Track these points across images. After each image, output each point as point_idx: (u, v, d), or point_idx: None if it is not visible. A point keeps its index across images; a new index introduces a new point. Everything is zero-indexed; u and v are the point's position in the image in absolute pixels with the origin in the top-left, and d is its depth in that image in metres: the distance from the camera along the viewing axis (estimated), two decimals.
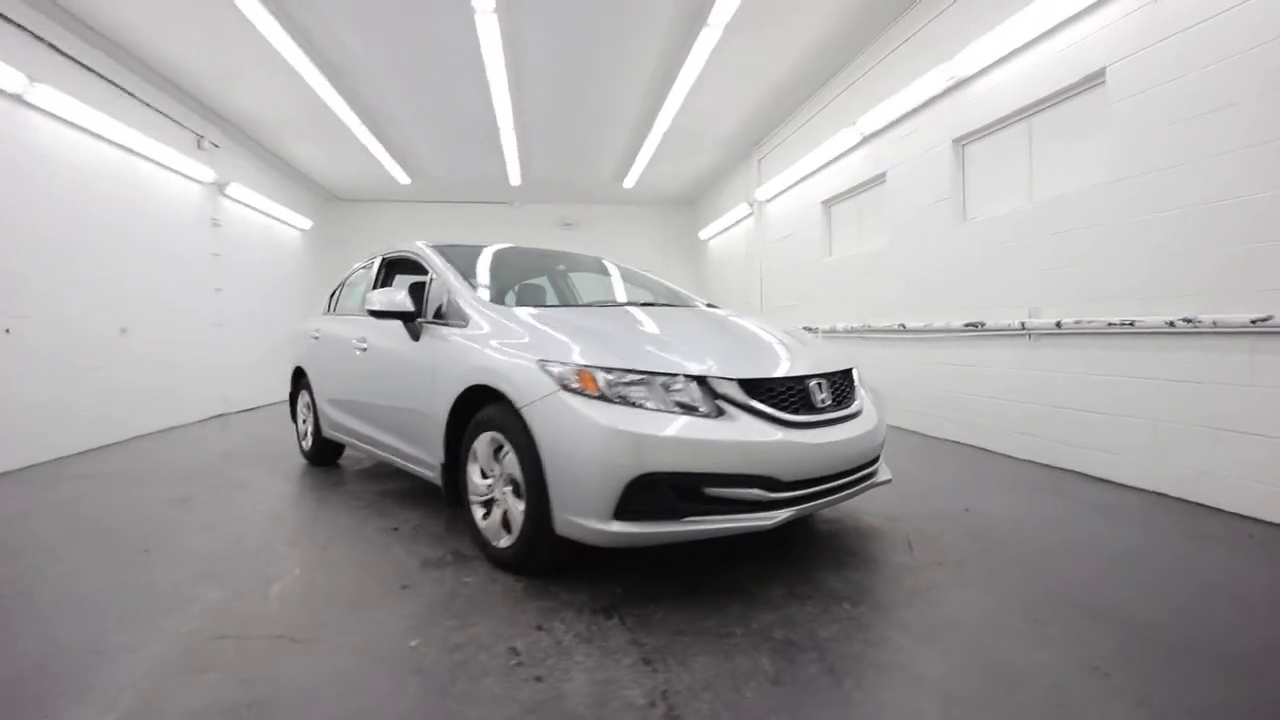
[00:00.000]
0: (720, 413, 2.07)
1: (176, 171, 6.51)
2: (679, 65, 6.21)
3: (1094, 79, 3.62)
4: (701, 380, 2.12)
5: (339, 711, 1.50)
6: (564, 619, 1.98)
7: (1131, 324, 3.34)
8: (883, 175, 5.76)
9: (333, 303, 4.50)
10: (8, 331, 4.37)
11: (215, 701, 1.55)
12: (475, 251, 3.41)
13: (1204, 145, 3.02)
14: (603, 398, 2.05)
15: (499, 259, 3.44)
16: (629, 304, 3.17)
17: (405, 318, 2.97)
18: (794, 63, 6.22)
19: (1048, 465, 3.96)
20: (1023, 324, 4.07)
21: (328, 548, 2.71)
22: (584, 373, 2.10)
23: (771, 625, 1.92)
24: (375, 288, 3.73)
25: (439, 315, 2.91)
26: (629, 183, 10.55)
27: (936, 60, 4.72)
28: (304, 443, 4.55)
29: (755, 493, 2.04)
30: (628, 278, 3.91)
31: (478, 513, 2.52)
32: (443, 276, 3.02)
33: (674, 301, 3.47)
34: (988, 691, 1.57)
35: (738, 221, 9.84)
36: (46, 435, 4.66)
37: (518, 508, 2.27)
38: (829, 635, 1.86)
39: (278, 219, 9.20)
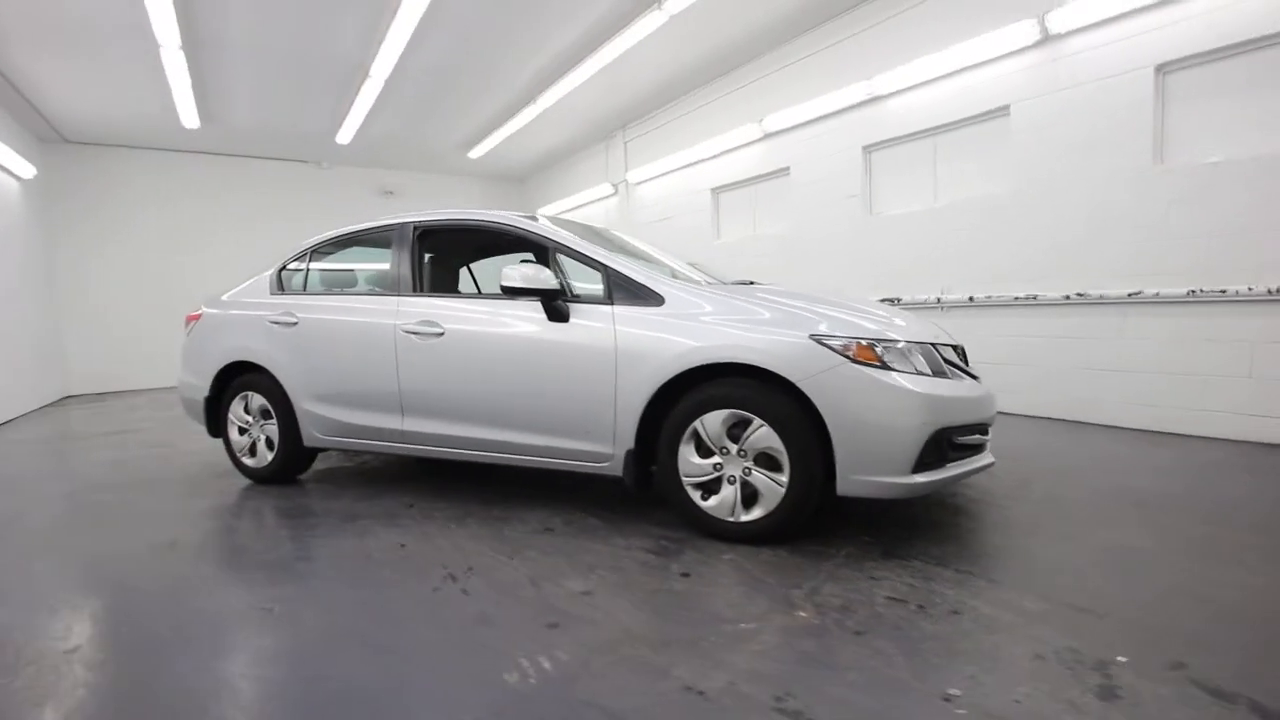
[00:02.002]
0: (946, 372, 2.45)
1: None
2: (590, 49, 6.18)
3: (999, 112, 4.78)
4: (935, 345, 2.46)
5: None
6: (869, 568, 2.18)
7: (1035, 298, 4.59)
8: (786, 169, 6.57)
9: (299, 279, 3.60)
10: None
11: None
12: (573, 226, 3.16)
13: (1088, 169, 4.29)
14: (884, 366, 2.26)
15: (593, 235, 3.22)
16: (752, 282, 3.24)
17: (549, 297, 2.68)
18: (688, 55, 6.63)
19: None
20: (938, 298, 5.19)
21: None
22: (860, 345, 2.28)
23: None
24: (415, 262, 3.18)
25: (582, 296, 2.71)
26: (477, 153, 9.89)
27: (855, 77, 5.58)
28: (248, 459, 3.59)
29: (977, 437, 2.48)
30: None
31: (694, 494, 2.49)
32: (589, 251, 2.79)
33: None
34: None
35: (595, 201, 9.99)
36: None
37: (772, 480, 2.34)
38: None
39: None
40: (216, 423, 3.72)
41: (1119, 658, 1.62)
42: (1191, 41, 3.76)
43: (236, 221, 9.84)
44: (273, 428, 3.47)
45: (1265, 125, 3.60)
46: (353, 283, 3.61)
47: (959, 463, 2.37)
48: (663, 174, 8.38)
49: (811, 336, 2.30)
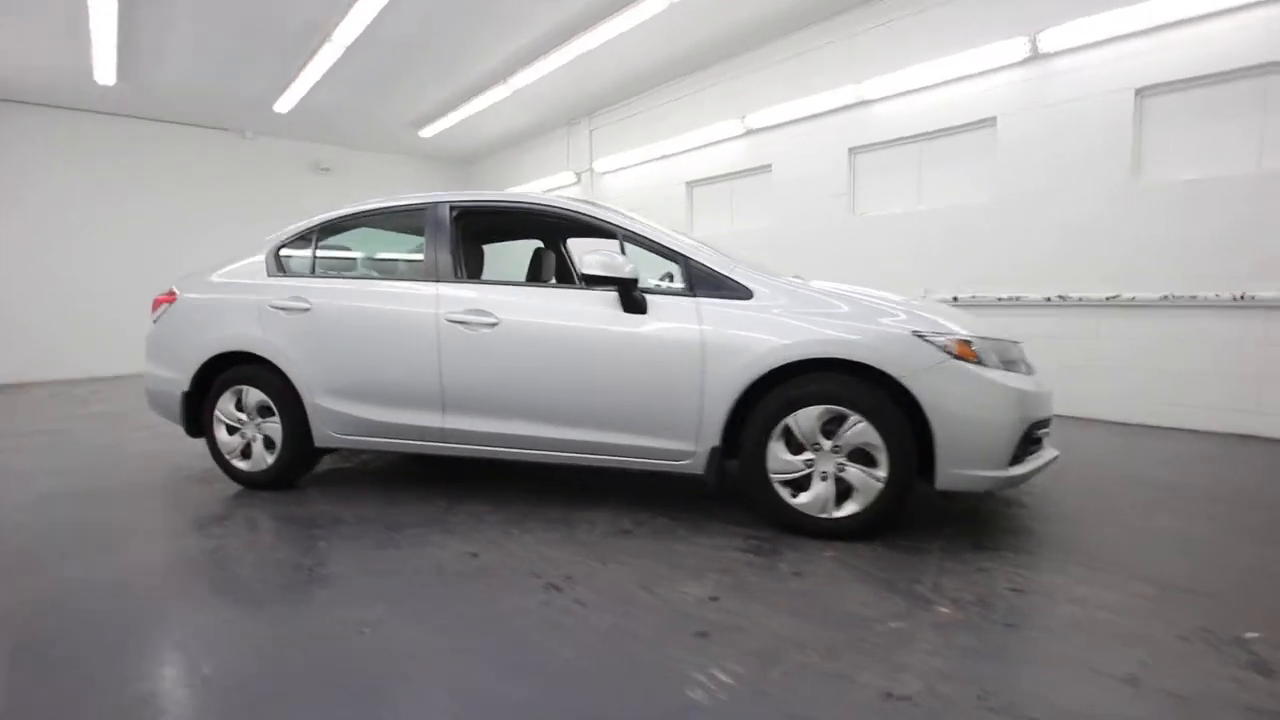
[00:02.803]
0: (1022, 368, 2.54)
1: None
2: (577, 31, 5.98)
3: (986, 122, 5.04)
4: (1012, 342, 2.54)
5: None
6: (957, 570, 2.22)
7: (1017, 299, 4.88)
8: (768, 166, 6.64)
9: (304, 261, 3.22)
10: None
11: None
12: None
13: (1071, 182, 4.61)
14: (980, 362, 2.31)
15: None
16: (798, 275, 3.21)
17: (626, 286, 2.54)
18: (672, 45, 6.55)
19: None
20: (923, 296, 5.43)
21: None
22: (959, 341, 2.31)
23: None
24: (455, 246, 2.93)
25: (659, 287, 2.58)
26: (429, 132, 9.34)
27: (845, 80, 5.71)
28: (240, 462, 3.19)
29: (1045, 430, 2.59)
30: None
31: (783, 491, 2.44)
32: (667, 240, 2.67)
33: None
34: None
35: (556, 189, 9.70)
36: None
37: (869, 475, 2.34)
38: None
39: None
40: (197, 421, 3.27)
41: (1249, 634, 1.73)
42: (1170, 68, 4.12)
43: (142, 192, 8.77)
44: (274, 426, 3.10)
45: (1233, 149, 4.00)
46: (375, 265, 3.28)
47: (1035, 456, 2.46)
48: (633, 165, 8.26)
49: (914, 333, 2.31)
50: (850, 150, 5.91)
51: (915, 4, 5.24)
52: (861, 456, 2.36)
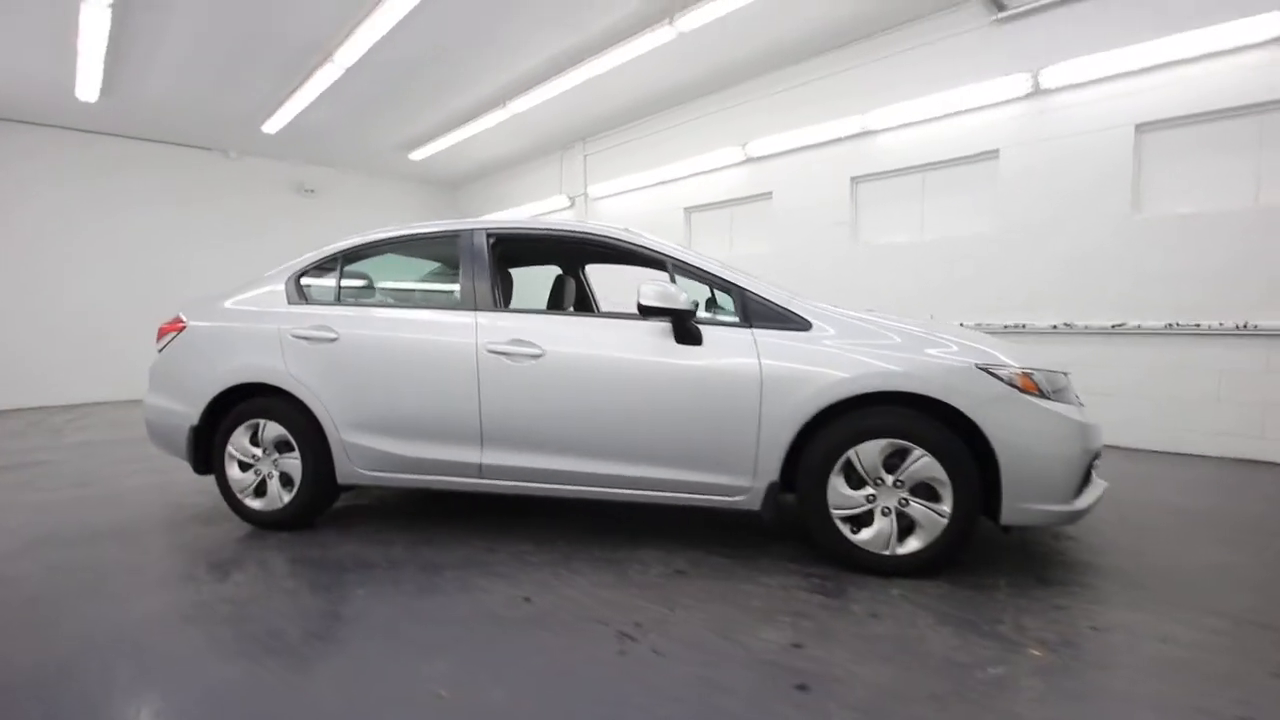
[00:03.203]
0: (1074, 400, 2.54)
1: None
2: (582, 57, 6.02)
3: (989, 155, 5.17)
4: (1065, 374, 2.55)
5: None
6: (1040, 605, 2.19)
7: (1023, 326, 4.97)
8: (769, 193, 6.71)
9: (328, 288, 3.08)
10: None
11: None
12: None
13: (1073, 213, 4.75)
14: (1042, 394, 2.30)
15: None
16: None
17: (680, 317, 2.48)
18: (675, 74, 6.63)
19: None
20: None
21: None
22: (1022, 374, 2.30)
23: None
24: (493, 274, 2.84)
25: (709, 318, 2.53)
26: (419, 155, 9.23)
27: (848, 111, 5.82)
28: (253, 500, 3.00)
29: (1097, 462, 2.58)
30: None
31: (844, 527, 2.39)
32: (720, 271, 2.63)
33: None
34: None
35: (548, 213, 9.66)
36: None
37: (933, 511, 2.30)
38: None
39: None
40: (206, 457, 3.08)
41: None
42: (1168, 106, 4.30)
43: (118, 212, 8.44)
44: (293, 462, 2.92)
45: (1229, 184, 4.17)
46: (402, 294, 3.16)
47: (1092, 488, 2.46)
48: (630, 190, 8.27)
49: (978, 366, 2.29)
50: (853, 179, 6.01)
51: (919, 39, 5.39)
52: (924, 491, 2.33)
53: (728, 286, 2.59)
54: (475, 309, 2.80)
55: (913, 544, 2.34)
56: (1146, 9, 4.29)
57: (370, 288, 3.23)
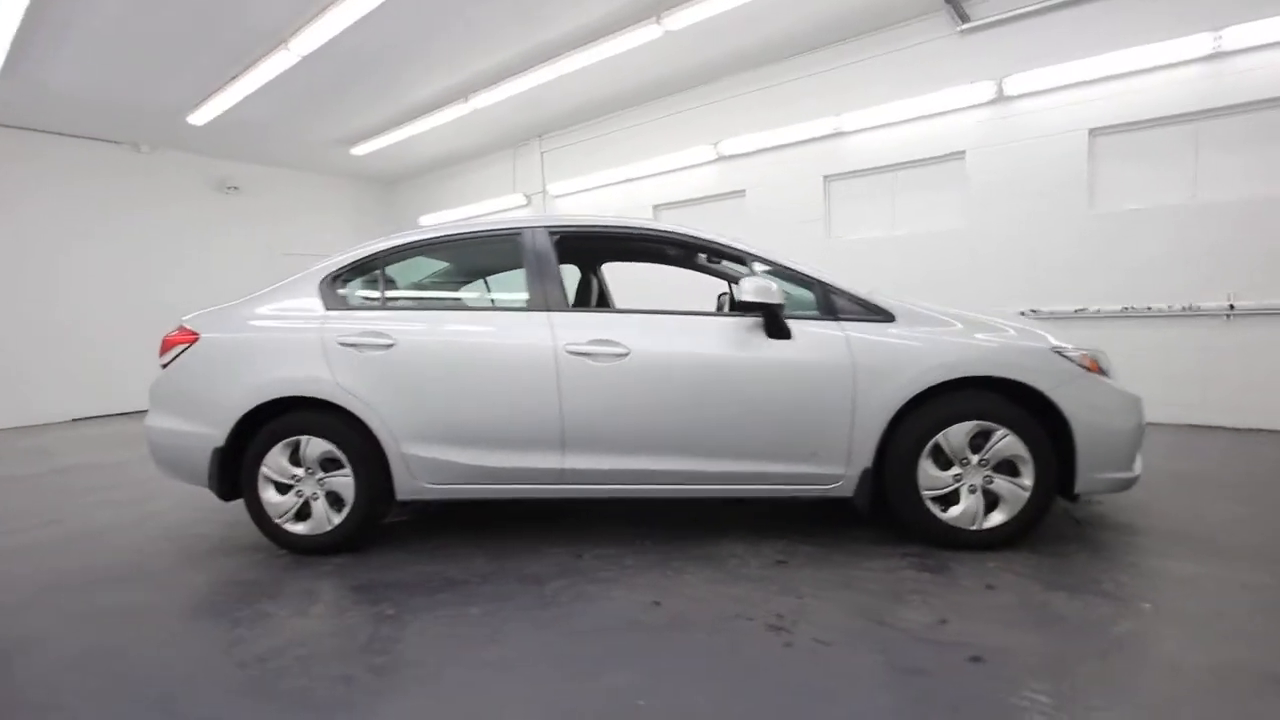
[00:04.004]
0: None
1: None
2: (558, 53, 5.92)
3: (956, 155, 5.55)
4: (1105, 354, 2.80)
5: None
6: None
7: None
8: (742, 191, 6.86)
9: (370, 290, 2.86)
10: None
11: None
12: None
13: (1034, 210, 5.19)
14: (1103, 373, 2.52)
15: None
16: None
17: (775, 312, 2.51)
18: (649, 71, 6.64)
19: None
20: None
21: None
22: (1086, 355, 2.51)
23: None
24: (558, 272, 2.76)
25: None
26: (363, 150, 8.69)
27: (822, 112, 6.05)
28: (295, 525, 2.75)
29: None
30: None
31: (934, 507, 2.51)
32: (801, 267, 2.68)
33: None
34: None
35: (503, 211, 9.39)
36: None
37: (1016, 486, 2.47)
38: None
39: None
40: (233, 481, 2.78)
41: None
42: (1118, 113, 4.79)
43: (8, 211, 7.39)
44: (343, 480, 2.70)
45: (1171, 183, 4.72)
46: (450, 297, 2.98)
47: (1140, 455, 2.72)
48: (594, 187, 8.19)
49: (1053, 349, 2.48)
50: (826, 178, 6.27)
51: (889, 45, 5.69)
52: (1006, 468, 2.49)
53: (810, 282, 2.65)
54: (547, 309, 2.70)
55: (996, 518, 2.50)
56: (1098, 25, 4.76)
57: (423, 289, 3.04)
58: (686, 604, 2.17)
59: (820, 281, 2.64)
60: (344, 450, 2.69)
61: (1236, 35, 4.26)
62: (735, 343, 2.57)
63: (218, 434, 2.74)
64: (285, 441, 2.72)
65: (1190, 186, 4.67)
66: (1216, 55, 4.40)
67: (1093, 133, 4.93)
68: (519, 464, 2.64)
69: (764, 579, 2.35)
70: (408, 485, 2.70)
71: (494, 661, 1.85)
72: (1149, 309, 4.76)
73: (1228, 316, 4.53)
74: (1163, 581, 2.20)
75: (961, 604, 2.09)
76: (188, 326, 2.89)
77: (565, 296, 2.74)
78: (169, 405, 2.85)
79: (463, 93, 6.93)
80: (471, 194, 9.73)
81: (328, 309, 2.82)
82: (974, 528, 2.50)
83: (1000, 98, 5.23)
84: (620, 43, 5.55)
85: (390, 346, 2.69)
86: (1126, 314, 4.85)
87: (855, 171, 6.11)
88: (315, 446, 2.71)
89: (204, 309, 3.00)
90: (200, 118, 7.16)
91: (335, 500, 2.74)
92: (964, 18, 5.28)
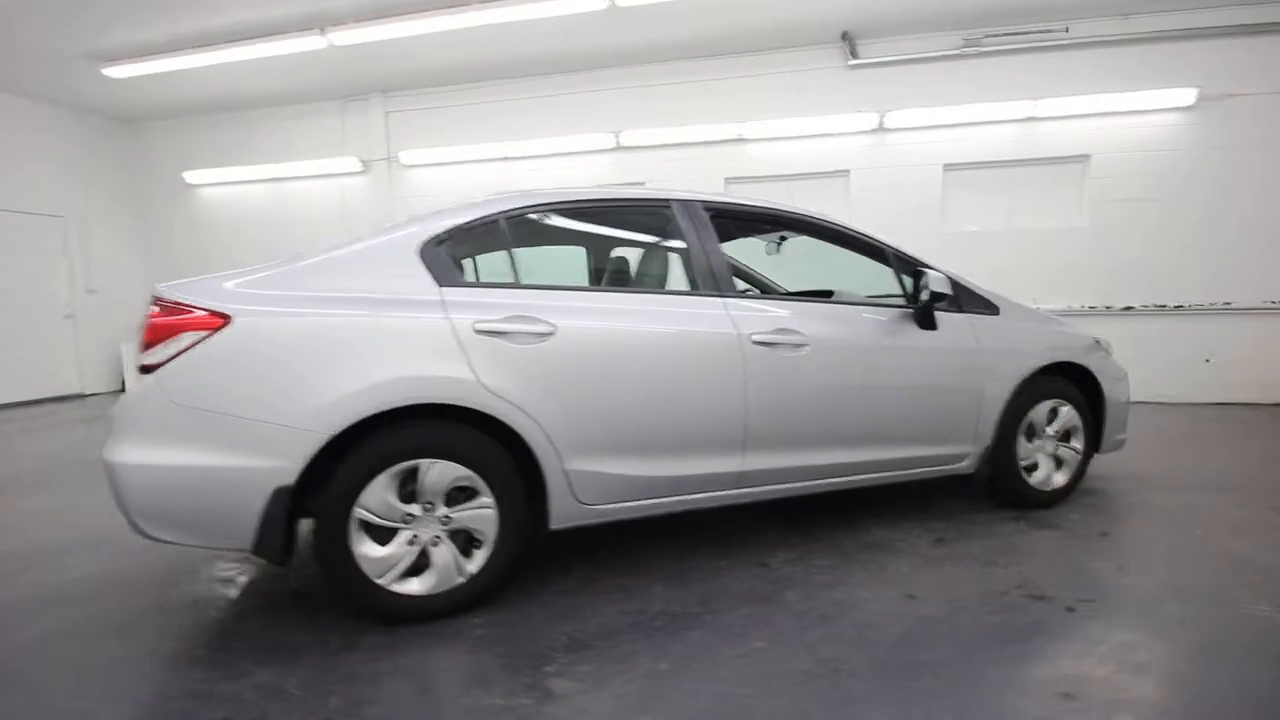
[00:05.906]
0: None
1: None
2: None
3: (842, 173, 6.36)
4: None
5: None
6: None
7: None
8: (642, 184, 6.82)
9: (499, 263, 2.18)
10: None
11: None
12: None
13: (904, 226, 6.24)
14: (1109, 355, 3.24)
15: None
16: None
17: (945, 301, 2.67)
18: (554, 41, 6.23)
19: None
20: None
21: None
22: (1106, 343, 3.19)
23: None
24: (721, 253, 2.51)
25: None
26: (121, 72, 6.34)
27: (726, 118, 6.38)
28: (403, 584, 1.99)
29: None
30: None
31: (1025, 475, 2.94)
32: (925, 262, 2.87)
33: None
34: None
35: (324, 176, 7.76)
36: None
37: (1073, 450, 3.03)
38: None
39: None
40: (288, 536, 1.89)
41: None
42: (963, 154, 6.06)
43: None
44: (483, 513, 2.04)
45: (996, 213, 6.14)
46: (616, 272, 2.43)
47: None
48: (459, 161, 7.30)
49: (1095, 340, 3.10)
50: (727, 180, 6.62)
51: (789, 66, 6.26)
52: (1064, 437, 3.04)
53: (936, 272, 2.85)
54: (719, 294, 2.41)
55: (1059, 479, 3.04)
56: (960, 81, 5.94)
57: (563, 264, 2.42)
58: (933, 592, 2.18)
59: (950, 277, 2.87)
60: (483, 474, 2.04)
61: (1046, 106, 5.76)
62: (894, 332, 2.67)
63: (284, 466, 1.84)
64: (394, 469, 1.95)
65: (1008, 216, 6.14)
66: (1031, 119, 5.88)
67: (946, 167, 6.15)
68: (699, 470, 2.33)
69: (957, 559, 2.45)
70: (567, 510, 2.17)
71: (860, 696, 1.64)
72: None
73: None
74: (1208, 515, 2.87)
75: (1102, 552, 2.50)
76: (202, 304, 1.85)
77: (732, 280, 2.49)
78: (173, 430, 1.82)
79: (313, 23, 5.55)
80: (274, 150, 7.84)
81: (442, 285, 2.08)
82: (1049, 489, 3.00)
83: (881, 128, 6.18)
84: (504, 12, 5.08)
85: (549, 335, 2.11)
86: None
87: (755, 177, 6.59)
88: (442, 472, 1.99)
89: (198, 276, 1.97)
90: None
91: (469, 542, 2.06)
92: (854, 54, 6.09)
